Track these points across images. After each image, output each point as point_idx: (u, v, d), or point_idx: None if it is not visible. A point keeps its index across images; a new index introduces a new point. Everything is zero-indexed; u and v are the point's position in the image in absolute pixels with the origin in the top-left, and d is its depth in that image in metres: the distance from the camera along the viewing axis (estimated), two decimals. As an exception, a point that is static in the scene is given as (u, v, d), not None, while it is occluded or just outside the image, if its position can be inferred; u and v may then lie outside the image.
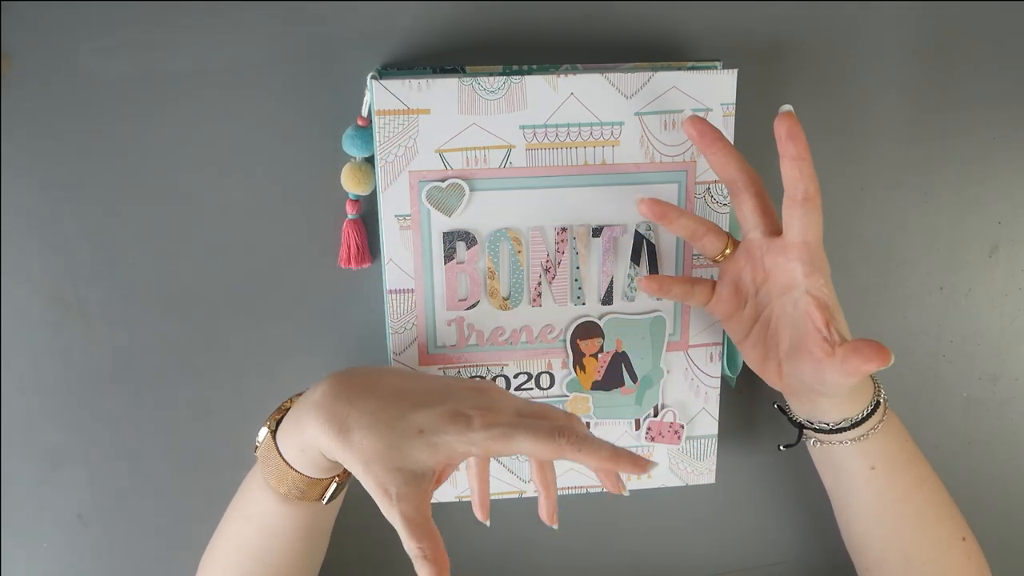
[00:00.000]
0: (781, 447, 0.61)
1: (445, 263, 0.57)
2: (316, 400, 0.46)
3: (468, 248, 0.57)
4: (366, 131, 0.56)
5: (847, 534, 0.60)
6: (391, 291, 0.57)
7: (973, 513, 0.60)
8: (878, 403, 0.56)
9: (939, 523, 0.58)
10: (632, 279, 0.59)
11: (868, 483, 0.57)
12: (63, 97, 0.56)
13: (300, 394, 0.51)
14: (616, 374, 0.61)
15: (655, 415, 0.62)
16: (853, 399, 0.55)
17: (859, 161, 0.63)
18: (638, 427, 0.62)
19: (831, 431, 0.56)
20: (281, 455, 0.49)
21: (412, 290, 0.57)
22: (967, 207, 0.65)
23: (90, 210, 0.58)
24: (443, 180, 0.55)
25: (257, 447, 0.51)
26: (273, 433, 0.50)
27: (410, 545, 0.43)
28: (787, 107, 0.49)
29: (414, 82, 0.53)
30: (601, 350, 0.60)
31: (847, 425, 0.55)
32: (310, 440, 0.46)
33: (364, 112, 0.55)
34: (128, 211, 0.58)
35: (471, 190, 0.55)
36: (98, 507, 0.63)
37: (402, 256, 0.56)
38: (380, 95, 0.53)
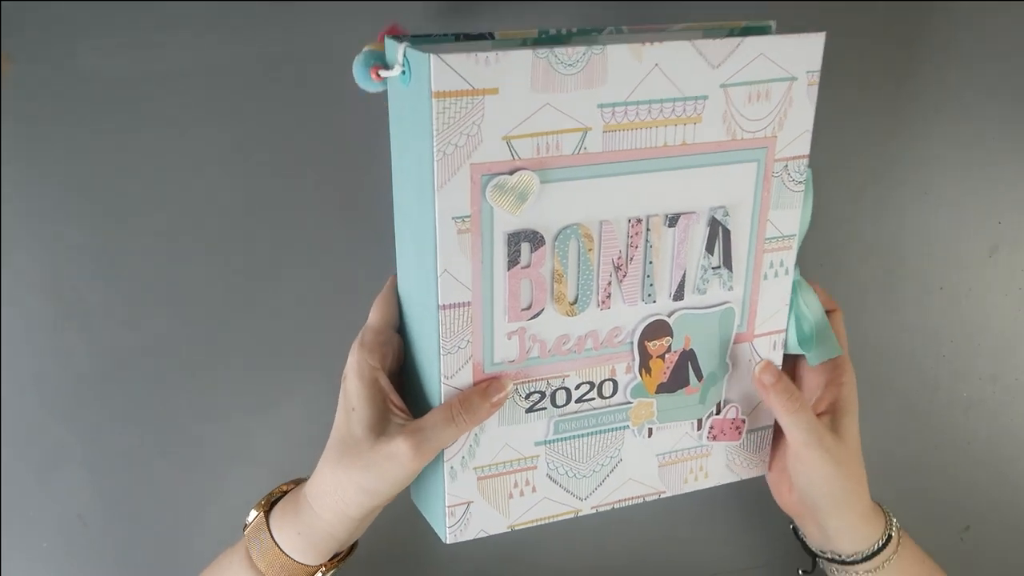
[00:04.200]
0: (800, 572, 0.61)
1: (508, 269, 0.49)
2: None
3: (534, 250, 0.49)
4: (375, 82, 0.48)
5: None
6: (444, 307, 0.48)
7: (973, 512, 0.60)
8: (890, 536, 0.56)
9: None
10: (705, 270, 0.54)
11: None
12: (63, 97, 0.56)
13: (294, 482, 0.56)
14: (682, 374, 0.56)
15: (717, 412, 0.58)
16: (864, 532, 0.55)
17: (859, 161, 0.63)
18: (700, 427, 0.58)
19: (844, 563, 0.56)
20: (273, 538, 0.51)
21: (468, 303, 0.49)
22: (967, 207, 0.65)
23: (90, 210, 0.58)
24: (511, 172, 0.47)
25: (246, 527, 0.53)
26: (266, 514, 0.52)
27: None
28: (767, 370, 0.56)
29: (481, 56, 0.44)
30: (669, 350, 0.55)
31: (859, 559, 0.55)
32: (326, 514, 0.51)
33: (378, 77, 0.48)
34: (128, 211, 0.58)
35: (541, 182, 0.48)
36: (98, 507, 0.63)
37: (459, 265, 0.48)
38: (441, 74, 0.43)
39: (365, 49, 0.48)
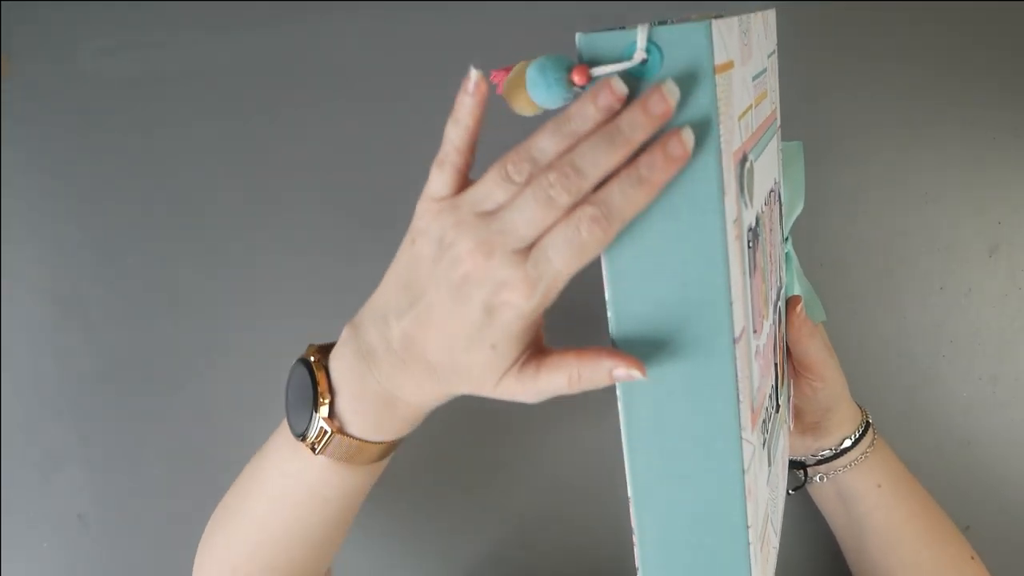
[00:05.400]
0: (790, 491, 0.63)
1: (751, 275, 0.39)
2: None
3: (755, 249, 0.40)
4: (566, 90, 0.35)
5: (862, 568, 0.61)
6: (738, 339, 0.36)
7: (973, 513, 0.60)
8: (868, 423, 0.60)
9: (949, 543, 0.59)
10: (781, 247, 0.50)
11: (878, 504, 0.58)
12: (63, 97, 0.56)
13: (319, 349, 0.46)
14: (782, 363, 0.52)
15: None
16: (847, 423, 0.59)
17: (859, 161, 0.63)
18: (790, 418, 0.56)
19: (835, 456, 0.59)
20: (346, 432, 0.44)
21: (744, 329, 0.37)
22: (967, 207, 0.65)
23: (90, 210, 0.58)
24: (745, 156, 0.38)
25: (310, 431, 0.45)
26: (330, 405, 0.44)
27: None
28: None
29: (732, 22, 0.36)
30: (780, 338, 0.50)
31: (849, 445, 0.58)
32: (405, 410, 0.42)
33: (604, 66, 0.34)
34: (128, 211, 0.58)
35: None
36: (98, 507, 0.63)
37: (736, 280, 0.36)
38: (719, 44, 0.34)
39: (536, 60, 0.35)
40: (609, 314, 0.36)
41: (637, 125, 0.33)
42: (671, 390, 0.36)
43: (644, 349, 0.36)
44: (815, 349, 0.55)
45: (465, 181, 0.38)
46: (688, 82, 0.33)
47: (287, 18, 0.56)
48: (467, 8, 0.57)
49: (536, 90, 0.34)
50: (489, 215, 0.36)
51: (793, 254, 0.60)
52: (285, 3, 0.56)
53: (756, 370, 0.39)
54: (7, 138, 0.56)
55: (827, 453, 0.59)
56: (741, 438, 0.36)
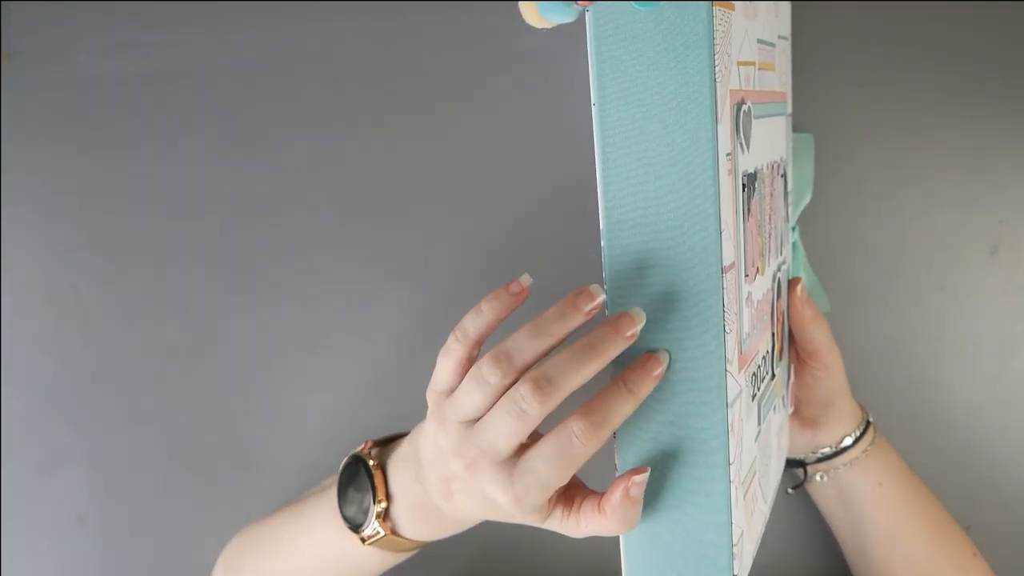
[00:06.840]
0: (789, 490, 0.63)
1: (746, 220, 0.39)
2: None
3: (751, 198, 0.41)
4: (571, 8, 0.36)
5: (862, 567, 0.61)
6: (727, 269, 0.36)
7: (973, 513, 0.60)
8: (868, 422, 0.60)
9: (951, 540, 0.59)
10: (785, 223, 0.50)
11: (880, 502, 0.58)
12: (63, 97, 0.56)
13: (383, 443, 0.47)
14: (782, 339, 0.52)
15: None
16: (847, 420, 0.59)
17: (859, 161, 0.63)
18: (785, 400, 0.56)
19: (835, 454, 0.59)
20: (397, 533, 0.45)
21: (733, 264, 0.38)
22: (967, 207, 0.65)
23: (90, 210, 0.58)
24: (743, 101, 0.39)
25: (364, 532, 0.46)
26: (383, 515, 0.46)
27: None
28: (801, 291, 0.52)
29: None
30: (779, 309, 0.50)
31: (849, 443, 0.58)
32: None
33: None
34: (128, 211, 0.58)
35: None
36: (98, 507, 0.63)
37: (727, 214, 0.36)
38: None
39: None
40: (602, 243, 0.37)
41: (608, 341, 0.35)
42: (659, 324, 0.37)
43: (635, 278, 0.37)
44: (820, 334, 0.54)
45: (466, 371, 0.38)
46: (686, 10, 0.33)
47: (287, 18, 0.56)
48: (469, 8, 0.57)
49: (543, 7, 0.35)
50: (470, 425, 0.37)
51: (800, 245, 0.60)
52: (285, 3, 0.56)
53: (747, 315, 0.40)
54: (7, 138, 0.56)
55: (827, 451, 0.59)
56: (726, 370, 0.36)
